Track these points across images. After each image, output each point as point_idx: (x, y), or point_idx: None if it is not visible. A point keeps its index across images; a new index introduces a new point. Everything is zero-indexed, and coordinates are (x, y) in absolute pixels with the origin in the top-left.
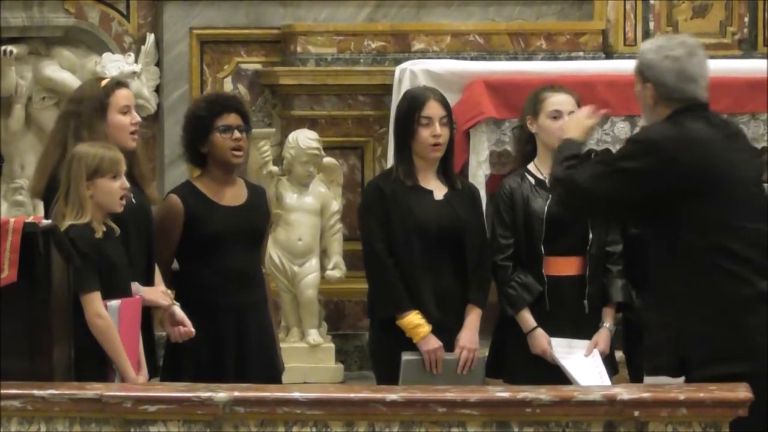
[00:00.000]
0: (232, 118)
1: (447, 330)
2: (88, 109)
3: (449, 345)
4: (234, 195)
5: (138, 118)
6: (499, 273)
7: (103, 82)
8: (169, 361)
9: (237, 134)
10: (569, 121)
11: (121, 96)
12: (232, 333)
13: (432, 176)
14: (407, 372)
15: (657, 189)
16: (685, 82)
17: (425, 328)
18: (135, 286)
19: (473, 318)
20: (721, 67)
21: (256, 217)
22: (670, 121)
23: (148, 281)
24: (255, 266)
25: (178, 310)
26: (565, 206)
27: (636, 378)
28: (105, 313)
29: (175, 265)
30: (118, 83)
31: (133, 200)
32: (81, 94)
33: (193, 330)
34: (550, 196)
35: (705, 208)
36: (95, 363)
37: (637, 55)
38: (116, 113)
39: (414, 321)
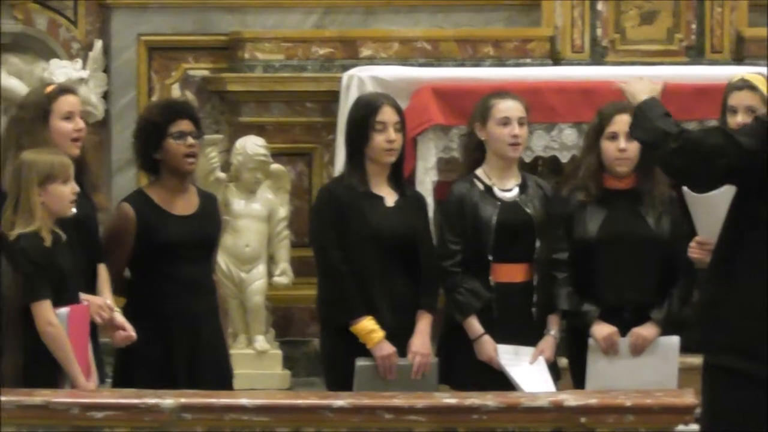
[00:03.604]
0: (186, 125)
1: (401, 336)
2: (30, 115)
3: (403, 351)
4: (186, 203)
5: (82, 125)
6: (448, 279)
7: (48, 89)
8: (122, 369)
9: (191, 140)
10: (634, 84)
11: (65, 102)
12: (185, 341)
13: (383, 183)
14: (361, 378)
15: (755, 170)
16: None
17: (379, 333)
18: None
19: (425, 324)
20: (668, 73)
21: (209, 226)
22: None
23: (90, 291)
24: (207, 274)
25: (117, 315)
26: (675, 163)
27: (579, 385)
28: (56, 321)
29: (126, 272)
30: (63, 89)
31: (74, 209)
32: (26, 101)
33: (134, 334)
34: (656, 154)
35: None
36: (46, 370)
37: None
38: (58, 120)
39: (368, 327)
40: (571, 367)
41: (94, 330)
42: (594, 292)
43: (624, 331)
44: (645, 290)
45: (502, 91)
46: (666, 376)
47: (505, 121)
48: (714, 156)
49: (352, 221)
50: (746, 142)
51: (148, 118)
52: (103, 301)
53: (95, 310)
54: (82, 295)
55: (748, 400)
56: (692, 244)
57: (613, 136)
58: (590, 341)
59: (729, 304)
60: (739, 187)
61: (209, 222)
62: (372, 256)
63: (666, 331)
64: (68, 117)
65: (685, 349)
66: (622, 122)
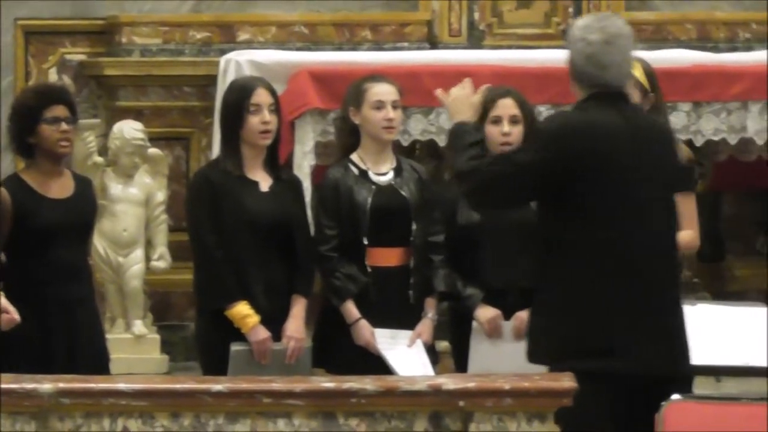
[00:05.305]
0: (60, 110)
1: (276, 321)
2: None
3: (278, 335)
4: (61, 187)
5: None
6: (324, 264)
7: None
8: None
9: (64, 126)
10: (453, 103)
11: None
12: (61, 326)
13: (258, 167)
14: (236, 363)
15: (546, 178)
16: (593, 68)
17: (254, 318)
18: None
19: (299, 308)
20: (545, 57)
21: (85, 210)
22: (576, 108)
23: None
24: (83, 258)
25: (1, 299)
26: (473, 201)
27: (462, 368)
28: None
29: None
30: None
31: None
32: None
33: (17, 317)
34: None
35: (585, 199)
36: None
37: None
38: None
39: (242, 311)
40: (453, 351)
41: None
42: (478, 276)
43: (508, 315)
44: (529, 274)
45: (376, 75)
46: None
47: (379, 105)
48: (502, 185)
49: (227, 206)
50: (522, 159)
51: (23, 102)
52: None
53: None
54: None
55: (600, 400)
56: None
57: (496, 121)
58: (474, 324)
59: (563, 309)
60: (542, 197)
61: (85, 205)
62: (247, 240)
63: None
64: None
65: None
66: (504, 106)
